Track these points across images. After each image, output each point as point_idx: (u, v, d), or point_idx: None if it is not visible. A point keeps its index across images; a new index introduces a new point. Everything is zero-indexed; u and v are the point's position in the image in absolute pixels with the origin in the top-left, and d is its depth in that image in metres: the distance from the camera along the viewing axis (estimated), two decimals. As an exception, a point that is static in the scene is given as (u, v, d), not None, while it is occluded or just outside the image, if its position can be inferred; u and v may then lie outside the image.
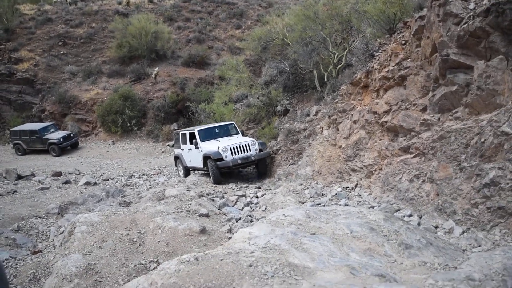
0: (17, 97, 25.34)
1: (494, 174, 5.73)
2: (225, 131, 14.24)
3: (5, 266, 6.60)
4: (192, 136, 13.85)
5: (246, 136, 14.64)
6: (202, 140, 13.51)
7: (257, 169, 13.71)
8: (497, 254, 4.37)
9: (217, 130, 14.21)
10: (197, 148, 13.43)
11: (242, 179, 13.25)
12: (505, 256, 4.28)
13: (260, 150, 13.16)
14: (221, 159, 12.51)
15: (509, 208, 5.47)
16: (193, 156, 13.88)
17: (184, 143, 14.35)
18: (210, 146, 13.11)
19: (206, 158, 12.89)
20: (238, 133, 14.23)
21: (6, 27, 28.93)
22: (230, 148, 12.68)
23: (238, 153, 12.75)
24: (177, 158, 15.09)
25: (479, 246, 5.35)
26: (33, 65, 26.77)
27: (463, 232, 5.92)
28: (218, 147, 12.71)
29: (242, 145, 12.89)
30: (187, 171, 14.68)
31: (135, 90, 24.44)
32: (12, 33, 29.02)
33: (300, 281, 3.83)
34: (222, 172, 12.69)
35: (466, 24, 6.48)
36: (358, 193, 9.26)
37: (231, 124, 14.67)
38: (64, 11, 31.87)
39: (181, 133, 14.81)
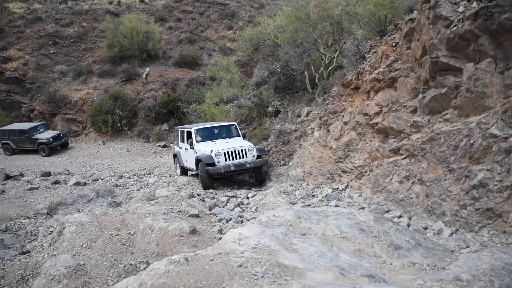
0: (5, 96, 25.03)
1: (483, 175, 5.79)
2: (225, 132, 13.32)
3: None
4: (189, 135, 13.06)
5: (246, 139, 13.64)
6: (198, 141, 12.69)
7: (254, 177, 12.63)
8: (485, 255, 4.42)
9: (216, 131, 13.27)
10: (192, 148, 12.62)
11: (237, 184, 12.67)
12: (492, 257, 4.32)
13: (259, 157, 12.17)
14: (213, 164, 11.59)
15: (497, 210, 5.53)
16: (188, 156, 13.05)
17: (182, 141, 13.57)
18: (205, 148, 12.21)
19: (198, 161, 12.04)
20: (239, 135, 13.26)
21: (-6, 25, 28.63)
22: (224, 153, 11.74)
23: (233, 159, 11.79)
24: (175, 156, 14.50)
25: (468, 247, 5.40)
26: (23, 64, 26.48)
27: (451, 233, 5.98)
28: (211, 151, 11.82)
29: (238, 150, 11.91)
30: (184, 171, 13.90)
31: (126, 90, 24.29)
32: (1, 31, 28.70)
33: (290, 282, 3.83)
34: (213, 177, 11.82)
35: (456, 27, 6.55)
36: (349, 194, 9.30)
37: (233, 125, 13.68)
38: (54, 10, 31.61)
39: (180, 130, 14.05)
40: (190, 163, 12.95)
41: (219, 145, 12.22)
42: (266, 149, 13.41)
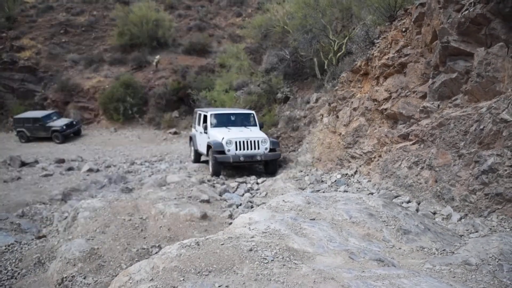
0: (19, 85, 25.34)
1: (493, 161, 5.77)
2: (242, 121, 12.89)
3: (10, 250, 6.72)
4: (205, 119, 12.74)
5: (263, 130, 13.13)
6: (213, 126, 12.37)
7: (265, 169, 12.16)
8: (494, 240, 4.44)
9: (232, 118, 12.85)
10: (206, 133, 12.31)
11: (247, 170, 12.47)
12: (501, 242, 4.35)
13: (272, 150, 11.72)
14: (223, 152, 11.30)
15: (507, 195, 5.52)
16: (202, 140, 12.72)
17: (199, 124, 13.23)
18: (217, 134, 11.84)
19: (209, 147, 11.81)
20: (256, 125, 12.84)
21: (7, 15, 28.83)
22: (236, 142, 11.38)
23: (244, 149, 11.42)
24: (191, 139, 14.28)
25: (476, 231, 5.41)
26: (35, 53, 26.72)
27: (460, 218, 5.98)
28: (223, 138, 11.48)
29: (250, 141, 11.52)
30: (197, 155, 13.65)
31: (137, 78, 24.45)
32: (14, 21, 28.93)
33: (300, 265, 3.89)
34: (223, 165, 11.52)
35: (467, 11, 6.46)
36: (358, 180, 9.32)
37: (251, 114, 13.23)
38: (65, -1, 31.75)
39: (198, 113, 13.71)
40: (203, 148, 12.68)
41: (232, 133, 11.89)
42: (275, 135, 13.35)
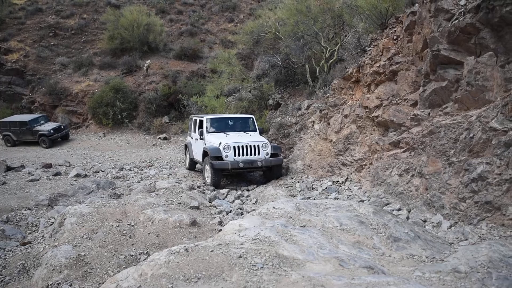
0: (6, 88, 25.03)
1: (482, 169, 5.81)
2: (241, 126, 12.22)
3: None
4: (201, 124, 12.05)
5: (263, 135, 12.59)
6: (210, 131, 11.69)
7: (264, 176, 11.61)
8: (483, 248, 4.46)
9: (230, 123, 12.20)
10: (202, 139, 11.63)
11: (237, 177, 12.12)
12: (491, 249, 4.36)
13: (274, 155, 11.02)
14: (220, 158, 10.58)
15: (496, 203, 5.56)
16: (198, 147, 11.98)
17: (195, 131, 12.54)
18: (214, 139, 11.14)
19: (205, 153, 11.06)
20: (255, 130, 12.13)
21: (-5, 17, 28.59)
22: (234, 147, 10.62)
23: (243, 155, 10.67)
24: (186, 147, 13.67)
25: (466, 239, 5.43)
26: (23, 56, 26.45)
27: (450, 226, 6.01)
28: (220, 143, 10.78)
29: (250, 146, 10.75)
30: (192, 164, 12.98)
31: (127, 83, 24.29)
32: (2, 23, 28.64)
33: (289, 273, 3.87)
34: (221, 173, 10.74)
35: (457, 20, 6.53)
36: (348, 187, 9.33)
37: (250, 118, 12.49)
38: (55, 2, 31.51)
39: (193, 119, 13.02)
40: (199, 156, 11.95)
41: (230, 138, 11.19)
42: None
